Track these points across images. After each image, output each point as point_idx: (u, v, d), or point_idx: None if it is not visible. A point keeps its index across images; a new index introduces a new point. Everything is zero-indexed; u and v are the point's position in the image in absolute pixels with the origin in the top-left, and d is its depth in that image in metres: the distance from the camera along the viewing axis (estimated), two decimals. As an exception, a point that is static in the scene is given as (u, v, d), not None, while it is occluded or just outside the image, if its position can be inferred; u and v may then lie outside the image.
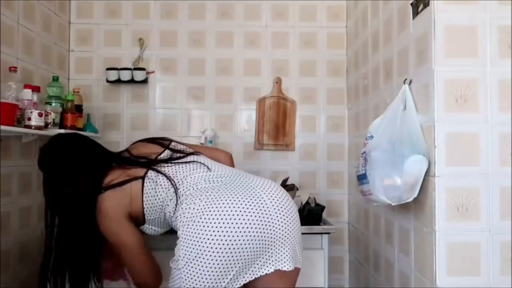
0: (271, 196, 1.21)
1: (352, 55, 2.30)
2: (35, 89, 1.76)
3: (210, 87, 2.41)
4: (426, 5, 1.31)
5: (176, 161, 1.31)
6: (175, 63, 2.41)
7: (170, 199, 1.24)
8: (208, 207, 1.15)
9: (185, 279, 1.12)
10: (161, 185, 1.26)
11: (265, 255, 1.17)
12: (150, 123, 2.40)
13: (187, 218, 1.16)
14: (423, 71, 1.34)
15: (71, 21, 2.39)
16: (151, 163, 1.29)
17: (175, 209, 1.22)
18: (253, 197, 1.18)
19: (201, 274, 1.10)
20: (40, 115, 1.71)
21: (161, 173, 1.27)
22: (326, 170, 2.41)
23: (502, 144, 1.26)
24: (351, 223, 2.34)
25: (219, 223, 1.12)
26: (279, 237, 1.18)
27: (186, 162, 1.31)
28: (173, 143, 1.40)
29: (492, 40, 1.27)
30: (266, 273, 1.18)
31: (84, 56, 2.39)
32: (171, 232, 1.32)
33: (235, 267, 1.13)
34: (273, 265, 1.18)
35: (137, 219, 1.30)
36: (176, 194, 1.23)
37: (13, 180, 1.83)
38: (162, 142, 1.39)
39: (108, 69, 2.32)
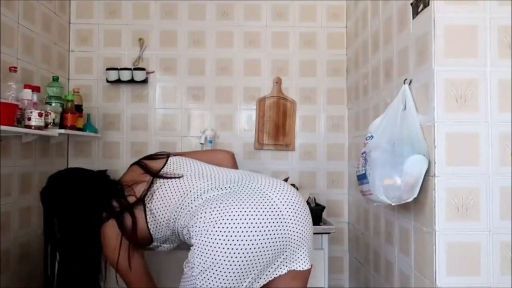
0: (283, 199, 1.20)
1: (352, 55, 2.30)
2: (35, 89, 1.75)
3: (210, 87, 2.41)
4: (426, 5, 1.31)
5: (171, 178, 1.32)
6: (175, 63, 2.41)
7: (176, 215, 1.23)
8: (221, 216, 1.13)
9: (200, 286, 1.12)
10: (164, 204, 1.26)
11: (280, 258, 1.17)
12: (150, 123, 2.39)
13: (200, 228, 1.14)
14: (423, 71, 1.34)
15: (71, 21, 2.39)
16: (151, 183, 1.30)
17: (184, 223, 1.21)
18: (265, 201, 1.17)
19: (216, 282, 1.10)
20: (40, 115, 1.71)
21: (162, 191, 1.27)
22: (326, 170, 2.41)
23: (502, 144, 1.26)
24: (351, 223, 2.34)
25: (233, 231, 1.11)
26: (294, 240, 1.18)
27: (182, 177, 1.31)
28: (168, 163, 1.38)
29: (492, 40, 1.27)
30: (280, 275, 1.18)
31: (84, 56, 2.39)
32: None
33: (251, 274, 1.13)
34: (286, 266, 1.18)
35: (145, 240, 1.30)
36: (183, 208, 1.22)
37: (13, 180, 1.83)
38: (149, 169, 1.36)
39: (108, 69, 2.32)
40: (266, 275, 1.16)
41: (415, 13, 1.41)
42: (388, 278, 1.69)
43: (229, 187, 1.23)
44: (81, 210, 1.30)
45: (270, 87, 2.41)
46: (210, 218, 1.14)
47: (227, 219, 1.12)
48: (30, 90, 1.71)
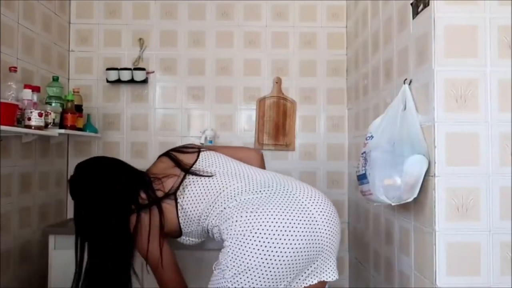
0: (319, 209, 1.20)
1: (352, 55, 2.30)
2: (35, 89, 1.75)
3: (210, 87, 2.41)
4: (426, 5, 1.31)
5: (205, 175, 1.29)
6: (175, 63, 2.41)
7: (208, 213, 1.23)
8: (259, 221, 1.13)
9: None
10: (195, 200, 1.25)
11: (311, 266, 1.18)
12: (150, 123, 2.40)
13: (236, 231, 1.14)
14: (423, 71, 1.34)
15: (71, 21, 2.39)
16: (183, 178, 1.28)
17: (216, 223, 1.21)
18: (302, 210, 1.17)
19: (248, 287, 1.10)
20: (40, 115, 1.71)
21: (195, 187, 1.26)
22: (326, 170, 2.41)
23: (502, 144, 1.26)
24: (351, 223, 2.34)
25: (271, 238, 1.10)
26: (326, 250, 1.18)
27: (214, 175, 1.29)
28: (199, 158, 1.35)
29: (492, 40, 1.27)
30: (310, 284, 1.19)
31: (84, 56, 2.39)
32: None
33: (284, 281, 1.13)
34: (317, 276, 1.19)
35: (174, 233, 1.30)
36: (215, 207, 1.22)
37: (13, 180, 1.83)
38: (181, 163, 1.34)
39: (108, 69, 2.32)
40: (297, 283, 1.17)
41: (415, 13, 1.41)
42: (388, 278, 1.69)
43: (264, 191, 1.22)
44: (109, 199, 1.26)
45: (270, 87, 2.41)
46: (247, 223, 1.13)
47: (265, 225, 1.12)
48: (30, 90, 1.71)
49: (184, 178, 1.29)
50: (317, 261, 1.18)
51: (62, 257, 1.79)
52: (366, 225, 2.01)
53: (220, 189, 1.24)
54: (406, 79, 1.44)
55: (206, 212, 1.23)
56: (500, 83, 1.26)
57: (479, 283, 1.24)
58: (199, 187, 1.26)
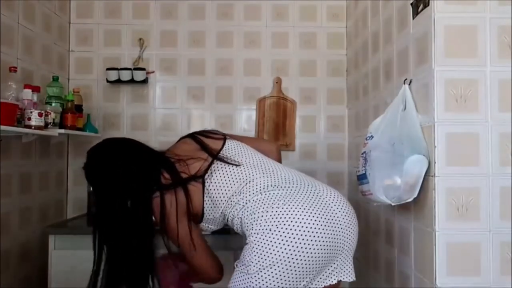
0: (341, 209, 1.21)
1: (352, 55, 2.30)
2: (35, 89, 1.75)
3: (210, 87, 2.41)
4: (426, 5, 1.31)
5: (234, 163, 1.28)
6: (175, 63, 2.41)
7: (232, 202, 1.22)
8: (285, 217, 1.13)
9: (255, 285, 1.11)
10: (223, 187, 1.24)
11: (331, 266, 1.18)
12: (150, 123, 2.40)
13: (262, 226, 1.13)
14: (423, 71, 1.34)
15: (71, 21, 2.39)
16: (211, 163, 1.26)
17: (238, 214, 1.20)
18: (326, 209, 1.17)
19: (272, 282, 1.10)
20: (40, 115, 1.71)
21: (222, 174, 1.25)
22: (326, 170, 2.41)
23: (502, 144, 1.26)
24: (351, 223, 2.34)
25: (296, 234, 1.11)
26: (346, 250, 1.19)
27: (241, 165, 1.28)
28: (225, 146, 1.33)
29: (492, 40, 1.27)
30: (330, 284, 1.19)
31: (84, 56, 2.39)
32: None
33: (306, 277, 1.13)
34: (336, 276, 1.19)
35: (195, 218, 1.28)
36: (240, 197, 1.21)
37: (13, 180, 1.83)
38: (207, 148, 1.31)
39: (108, 69, 2.32)
40: (318, 281, 1.17)
41: (415, 13, 1.41)
42: (388, 278, 1.69)
43: (288, 187, 1.22)
44: (129, 180, 1.22)
45: (270, 87, 2.41)
46: (272, 218, 1.13)
47: (291, 221, 1.12)
48: (30, 90, 1.71)
49: (212, 162, 1.26)
50: (337, 260, 1.18)
51: (62, 257, 1.79)
52: (366, 225, 2.01)
53: (246, 179, 1.23)
54: (406, 79, 1.44)
55: (231, 201, 1.22)
56: (500, 83, 1.26)
57: (479, 283, 1.24)
58: (227, 174, 1.25)
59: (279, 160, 1.52)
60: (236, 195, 1.22)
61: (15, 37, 1.84)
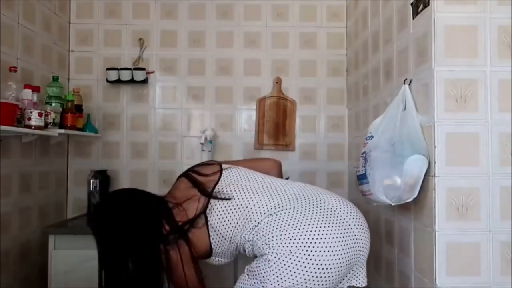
0: (355, 221, 1.21)
1: (352, 55, 2.30)
2: (35, 89, 1.75)
3: (210, 87, 2.41)
4: (426, 5, 1.31)
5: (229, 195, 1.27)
6: (175, 63, 2.41)
7: (241, 229, 1.21)
8: (303, 237, 1.13)
9: None
10: (226, 218, 1.23)
11: (346, 277, 1.20)
12: (150, 123, 2.39)
13: (280, 246, 1.13)
14: (423, 71, 1.34)
15: (71, 21, 2.39)
16: (208, 200, 1.26)
17: (250, 237, 1.19)
18: (342, 225, 1.18)
19: None
20: (40, 115, 1.71)
21: (224, 205, 1.24)
22: (326, 170, 2.41)
23: (502, 144, 1.26)
24: (351, 223, 2.34)
25: (317, 255, 1.11)
26: (361, 260, 1.21)
27: (245, 187, 1.27)
28: (221, 179, 1.32)
29: (492, 40, 1.27)
30: None
31: (84, 56, 2.39)
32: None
33: None
34: (347, 282, 1.21)
35: (204, 255, 1.28)
36: (247, 222, 1.20)
37: (13, 180, 1.83)
38: (201, 187, 1.30)
39: (108, 69, 2.32)
40: None
41: (415, 13, 1.41)
42: (388, 278, 1.69)
43: (299, 205, 1.21)
44: (134, 235, 1.22)
45: (270, 87, 2.41)
46: (291, 239, 1.13)
47: (310, 242, 1.12)
48: (30, 90, 1.71)
49: (209, 200, 1.26)
50: (352, 270, 1.20)
51: (62, 257, 1.79)
52: (366, 225, 2.01)
53: (249, 204, 1.22)
54: (406, 79, 1.44)
55: (237, 229, 1.22)
56: (500, 83, 1.26)
57: (479, 283, 1.24)
58: (227, 204, 1.25)
59: (280, 175, 1.52)
60: (243, 221, 1.21)
61: (15, 37, 1.84)
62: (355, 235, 1.19)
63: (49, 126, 1.86)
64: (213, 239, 1.24)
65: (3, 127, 1.50)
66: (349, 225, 1.19)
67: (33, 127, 1.70)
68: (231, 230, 1.22)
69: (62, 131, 1.93)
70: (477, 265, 1.25)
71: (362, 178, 1.47)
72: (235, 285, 1.22)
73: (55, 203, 2.21)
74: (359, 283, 1.22)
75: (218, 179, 1.32)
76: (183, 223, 1.23)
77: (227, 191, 1.27)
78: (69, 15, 2.38)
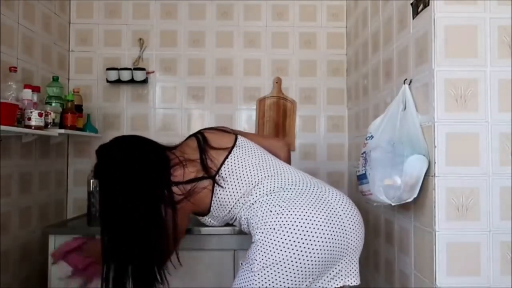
0: (346, 211, 1.22)
1: (352, 55, 2.30)
2: (35, 89, 1.75)
3: (210, 87, 2.41)
4: (426, 5, 1.31)
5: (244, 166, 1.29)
6: (175, 63, 2.41)
7: (242, 204, 1.24)
8: (288, 217, 1.15)
9: (258, 283, 1.13)
10: (231, 189, 1.26)
11: (335, 269, 1.19)
12: (150, 123, 2.39)
13: (267, 226, 1.16)
14: (423, 71, 1.34)
15: (71, 21, 2.39)
16: (215, 174, 1.27)
17: (245, 214, 1.23)
18: (330, 210, 1.19)
19: (275, 281, 1.12)
20: (40, 115, 1.71)
21: (233, 177, 1.27)
22: (326, 170, 2.41)
23: (502, 144, 1.26)
24: (351, 223, 2.34)
25: (300, 234, 1.13)
26: (350, 252, 1.20)
27: (254, 165, 1.29)
28: (231, 155, 1.31)
29: (492, 40, 1.27)
30: (334, 287, 1.20)
31: (84, 56, 2.39)
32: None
33: (308, 278, 1.15)
34: (342, 279, 1.21)
35: (201, 212, 1.31)
36: (248, 199, 1.23)
37: (13, 180, 1.83)
38: (208, 168, 1.29)
39: (108, 69, 2.32)
40: (322, 283, 1.19)
41: (415, 13, 1.41)
42: (388, 278, 1.69)
43: (294, 188, 1.24)
44: (144, 178, 1.23)
45: (270, 87, 2.41)
46: (277, 218, 1.16)
47: (295, 221, 1.14)
48: (30, 90, 1.71)
49: (215, 175, 1.27)
50: (341, 262, 1.19)
51: (62, 257, 1.79)
52: (366, 225, 2.00)
53: (255, 181, 1.25)
54: (406, 79, 1.44)
55: (239, 202, 1.25)
56: (500, 83, 1.26)
57: (479, 283, 1.24)
58: (234, 178, 1.27)
59: (288, 158, 1.53)
60: (244, 197, 1.24)
61: (15, 37, 1.84)
62: (343, 224, 1.18)
63: (49, 126, 1.86)
64: (213, 204, 1.27)
65: (3, 127, 1.50)
66: (338, 212, 1.19)
67: (33, 127, 1.70)
68: (233, 203, 1.25)
69: (62, 131, 1.93)
70: (477, 265, 1.25)
71: (362, 178, 1.47)
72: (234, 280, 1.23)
73: (55, 203, 2.21)
74: (351, 281, 1.21)
75: (226, 157, 1.31)
76: (191, 179, 1.25)
77: (232, 170, 1.28)
78: (69, 15, 2.38)
